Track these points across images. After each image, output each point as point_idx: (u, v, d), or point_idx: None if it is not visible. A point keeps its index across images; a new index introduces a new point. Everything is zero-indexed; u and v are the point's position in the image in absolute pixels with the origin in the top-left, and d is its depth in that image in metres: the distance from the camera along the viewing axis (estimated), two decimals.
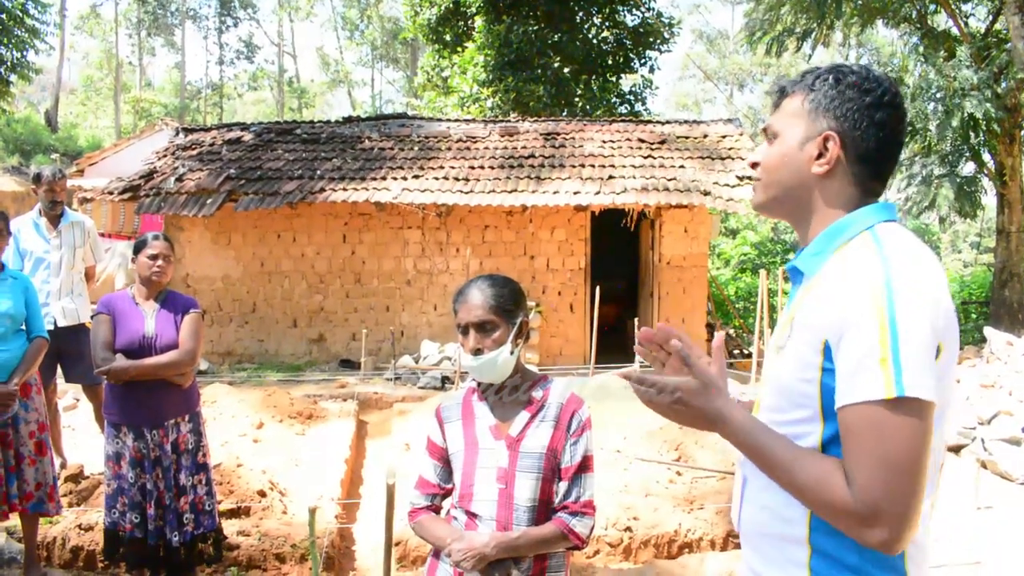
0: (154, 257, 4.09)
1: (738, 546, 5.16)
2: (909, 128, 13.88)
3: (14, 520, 4.53)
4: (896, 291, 1.39)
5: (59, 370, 6.10)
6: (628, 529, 5.29)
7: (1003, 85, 14.10)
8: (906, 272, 1.42)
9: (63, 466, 5.88)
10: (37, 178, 6.01)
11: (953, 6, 15.00)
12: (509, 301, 2.37)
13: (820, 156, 1.60)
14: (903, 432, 1.35)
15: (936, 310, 1.40)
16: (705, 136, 13.20)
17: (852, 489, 1.37)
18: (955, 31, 15.37)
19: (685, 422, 1.62)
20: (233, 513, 5.34)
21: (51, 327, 5.65)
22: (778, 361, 1.61)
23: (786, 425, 1.56)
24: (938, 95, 13.90)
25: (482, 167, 11.96)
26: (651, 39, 21.04)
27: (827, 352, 1.46)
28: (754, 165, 1.74)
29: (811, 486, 1.43)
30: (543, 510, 2.33)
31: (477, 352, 2.33)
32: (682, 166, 11.87)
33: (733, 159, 12.12)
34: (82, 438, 7.10)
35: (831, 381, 1.46)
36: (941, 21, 16.81)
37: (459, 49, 20.73)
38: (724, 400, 1.58)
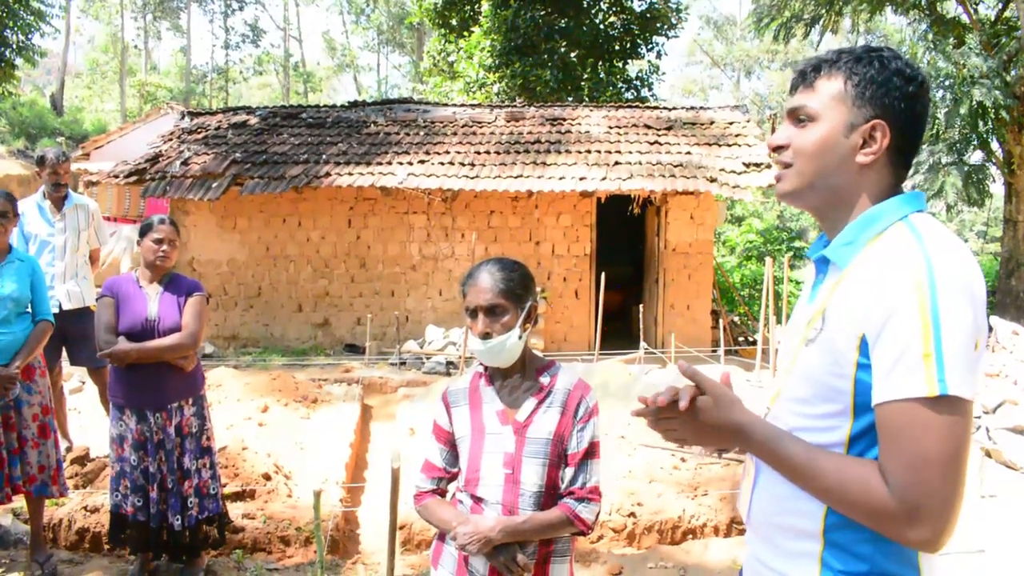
0: (159, 241, 4.09)
1: (742, 532, 5.17)
2: None
3: (20, 502, 4.54)
4: (940, 286, 1.35)
5: (64, 353, 6.11)
6: (632, 515, 5.30)
7: (1012, 73, 14.02)
8: (949, 266, 1.38)
9: (69, 449, 5.90)
10: (41, 161, 6.00)
11: None
12: (519, 285, 2.35)
13: (864, 145, 1.55)
14: (944, 431, 1.33)
15: (976, 305, 1.37)
16: (712, 122, 13.14)
17: (892, 489, 1.35)
18: (965, 18, 15.28)
19: (706, 442, 1.57)
20: (238, 496, 5.36)
21: (56, 310, 5.65)
22: (807, 354, 1.56)
23: (814, 418, 1.53)
24: (947, 83, 13.82)
25: (488, 152, 11.92)
26: (658, 24, 20.93)
27: (863, 347, 1.43)
28: (778, 148, 1.65)
29: (848, 490, 1.40)
30: (549, 495, 2.32)
31: (486, 336, 2.31)
32: (688, 152, 11.82)
33: (740, 146, 12.06)
34: (88, 420, 7.12)
35: (866, 376, 1.43)
36: (951, 8, 16.70)
37: (465, 34, 20.64)
38: (742, 411, 1.54)
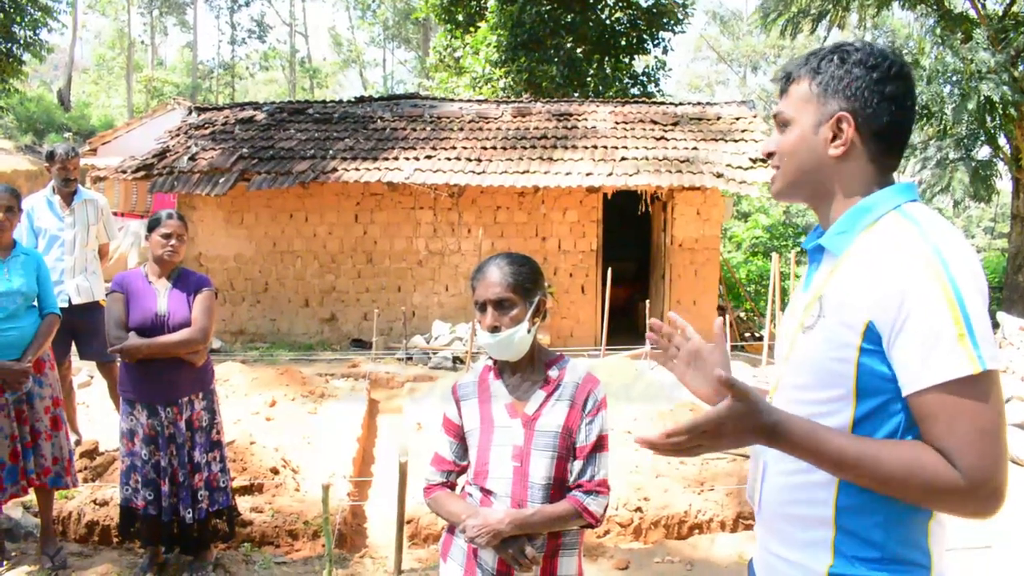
0: (167, 236, 4.10)
1: (748, 527, 5.18)
2: (924, 111, 13.79)
3: (29, 495, 4.57)
4: (952, 268, 1.41)
5: (74, 347, 6.14)
6: (638, 509, 5.30)
7: (1020, 68, 13.95)
8: (953, 249, 1.43)
9: (78, 442, 5.93)
10: (51, 156, 6.03)
11: None
12: (527, 279, 2.37)
13: (835, 138, 1.60)
14: (991, 404, 1.39)
15: (981, 283, 1.43)
16: (718, 118, 13.12)
17: (961, 467, 1.38)
18: (972, 13, 15.19)
19: (730, 445, 1.50)
20: (246, 490, 5.38)
21: (65, 305, 5.70)
22: (805, 341, 1.60)
23: (816, 404, 1.55)
24: (954, 78, 13.76)
25: (494, 147, 11.93)
26: (664, 20, 20.87)
27: (869, 333, 1.46)
28: (769, 155, 1.74)
29: (910, 473, 1.40)
30: (558, 488, 2.33)
31: (494, 330, 2.32)
32: (695, 148, 11.81)
33: (746, 141, 12.04)
34: (96, 414, 7.16)
35: (871, 361, 1.47)
36: (958, 3, 16.62)
37: (471, 29, 20.62)
38: (776, 411, 1.50)
